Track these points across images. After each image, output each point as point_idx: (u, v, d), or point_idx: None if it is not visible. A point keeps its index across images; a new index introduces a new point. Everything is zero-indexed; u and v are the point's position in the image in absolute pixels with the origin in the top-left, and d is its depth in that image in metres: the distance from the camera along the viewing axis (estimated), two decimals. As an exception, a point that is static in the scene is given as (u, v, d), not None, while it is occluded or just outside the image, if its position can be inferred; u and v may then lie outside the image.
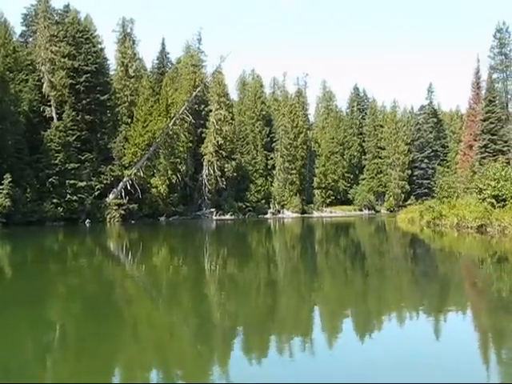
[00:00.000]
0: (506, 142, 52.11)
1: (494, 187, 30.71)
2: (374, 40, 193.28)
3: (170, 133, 65.48)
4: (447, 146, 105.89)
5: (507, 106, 58.71)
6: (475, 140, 59.81)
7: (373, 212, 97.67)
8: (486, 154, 51.89)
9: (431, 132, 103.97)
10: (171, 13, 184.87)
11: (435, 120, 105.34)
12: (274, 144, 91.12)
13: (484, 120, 54.02)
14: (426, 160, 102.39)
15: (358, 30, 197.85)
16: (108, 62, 66.35)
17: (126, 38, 68.67)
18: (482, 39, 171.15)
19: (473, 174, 45.86)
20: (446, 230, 34.83)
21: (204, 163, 75.51)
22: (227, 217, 73.64)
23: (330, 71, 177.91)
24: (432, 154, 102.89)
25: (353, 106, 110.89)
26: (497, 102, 55.70)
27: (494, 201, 30.34)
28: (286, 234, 45.11)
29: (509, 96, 59.32)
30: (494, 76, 60.04)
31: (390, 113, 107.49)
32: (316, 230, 48.67)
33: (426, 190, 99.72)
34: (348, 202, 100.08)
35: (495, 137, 52.62)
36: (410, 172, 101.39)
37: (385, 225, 55.40)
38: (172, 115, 65.36)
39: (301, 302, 13.05)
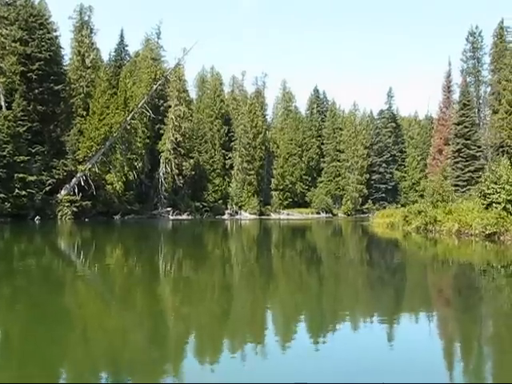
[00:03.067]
0: (479, 147, 51.57)
1: (508, 191, 29.12)
2: (335, 43, 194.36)
3: (128, 127, 62.99)
4: (405, 151, 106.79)
5: (479, 110, 58.75)
6: (445, 144, 59.39)
7: (330, 215, 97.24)
8: (460, 158, 51.18)
9: (390, 137, 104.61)
10: (129, 6, 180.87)
11: (394, 125, 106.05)
12: (232, 143, 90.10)
13: (458, 124, 53.22)
14: (384, 164, 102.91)
15: (319, 32, 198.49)
16: (63, 51, 63.39)
17: (84, 27, 65.75)
18: (444, 45, 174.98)
19: (444, 178, 44.86)
20: (443, 237, 33.04)
21: (161, 160, 73.62)
22: (184, 217, 71.85)
23: (289, 72, 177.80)
24: (390, 158, 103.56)
25: (312, 108, 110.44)
26: (471, 105, 55.26)
27: (510, 206, 28.43)
28: (243, 236, 43.58)
29: (480, 100, 59.57)
30: (467, 80, 60.14)
31: (350, 116, 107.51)
32: (273, 234, 46.87)
33: (384, 195, 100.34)
34: (305, 204, 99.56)
35: (469, 141, 51.73)
36: (368, 176, 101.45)
37: (342, 228, 54.24)
38: (131, 109, 62.80)
39: (255, 305, 12.69)
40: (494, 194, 29.91)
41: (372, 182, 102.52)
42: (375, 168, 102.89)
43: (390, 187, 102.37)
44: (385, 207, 75.78)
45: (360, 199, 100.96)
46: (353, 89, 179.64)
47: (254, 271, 19.39)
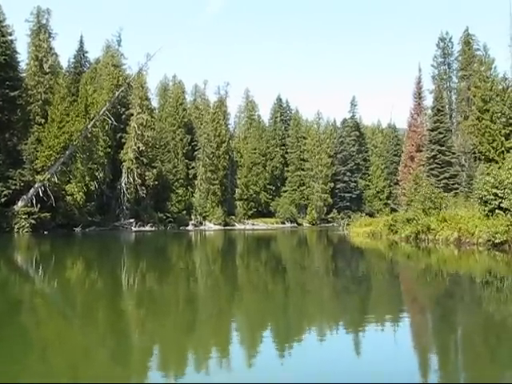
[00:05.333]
0: (453, 153, 51.39)
1: None
2: (298, 51, 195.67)
3: (89, 135, 60.83)
4: (369, 160, 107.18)
5: (451, 117, 58.95)
6: (417, 151, 59.33)
7: (295, 225, 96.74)
8: (435, 165, 50.83)
9: (354, 145, 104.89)
10: (88, 12, 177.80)
11: (357, 133, 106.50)
12: (195, 153, 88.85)
13: (432, 130, 53.04)
14: (348, 173, 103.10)
15: (281, 41, 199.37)
16: (19, 56, 60.52)
17: (41, 30, 63.31)
18: (406, 55, 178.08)
19: (417, 186, 44.18)
20: (438, 247, 31.51)
21: (123, 170, 71.64)
22: (147, 228, 69.98)
23: (252, 81, 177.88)
24: (354, 167, 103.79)
25: (276, 117, 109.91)
26: (445, 111, 55.19)
27: None
28: (208, 247, 42.57)
29: (452, 106, 59.84)
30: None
31: (314, 124, 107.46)
32: (239, 244, 45.46)
33: (348, 204, 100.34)
34: (270, 214, 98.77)
35: (443, 147, 51.54)
36: (332, 185, 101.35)
37: (309, 239, 53.24)
38: (92, 116, 60.69)
39: (221, 317, 12.27)
40: (496, 199, 28.89)
41: (336, 190, 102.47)
42: (339, 177, 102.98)
43: (354, 196, 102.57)
44: (349, 216, 75.52)
45: (325, 208, 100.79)
46: (316, 97, 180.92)
47: (219, 283, 18.91)
